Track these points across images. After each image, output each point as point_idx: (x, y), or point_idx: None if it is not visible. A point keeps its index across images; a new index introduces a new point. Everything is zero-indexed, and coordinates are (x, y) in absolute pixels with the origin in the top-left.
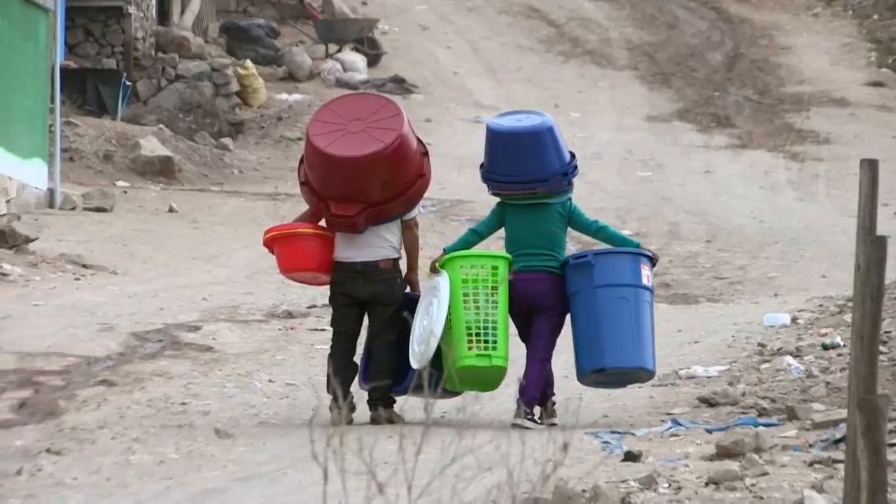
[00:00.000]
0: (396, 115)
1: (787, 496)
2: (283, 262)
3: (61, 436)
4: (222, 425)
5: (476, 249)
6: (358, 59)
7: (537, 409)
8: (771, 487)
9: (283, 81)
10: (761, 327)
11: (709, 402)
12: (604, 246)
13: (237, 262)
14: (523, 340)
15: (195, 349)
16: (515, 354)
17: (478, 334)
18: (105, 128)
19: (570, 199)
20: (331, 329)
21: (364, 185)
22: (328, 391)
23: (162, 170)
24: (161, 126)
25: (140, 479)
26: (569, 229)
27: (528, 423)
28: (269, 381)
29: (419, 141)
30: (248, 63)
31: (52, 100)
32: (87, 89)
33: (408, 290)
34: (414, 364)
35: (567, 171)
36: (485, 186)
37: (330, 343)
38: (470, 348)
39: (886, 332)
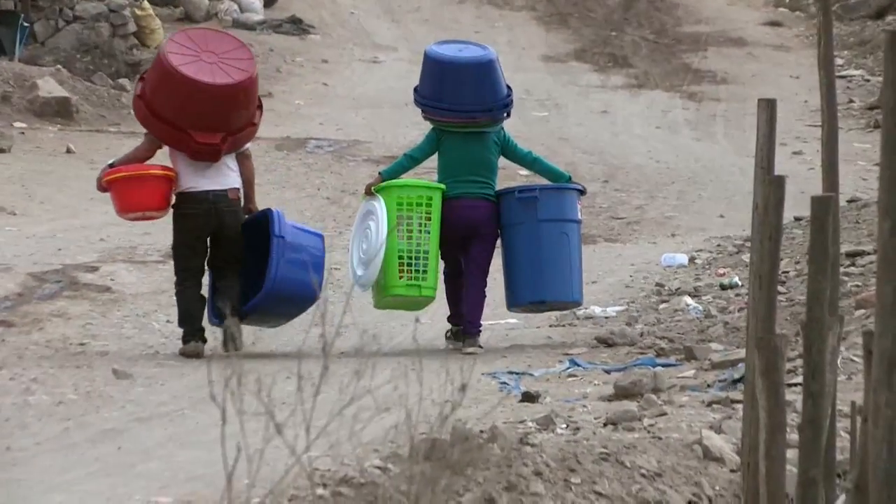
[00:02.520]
0: (242, 46)
1: (686, 436)
2: (124, 202)
3: None
4: (121, 366)
5: (409, 177)
6: (255, 0)
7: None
8: (669, 428)
9: (181, 22)
10: (659, 267)
11: (607, 343)
12: (533, 177)
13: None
14: (447, 262)
15: (93, 290)
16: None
17: (409, 263)
18: (2, 69)
19: (503, 128)
20: (175, 264)
21: (228, 112)
22: (181, 324)
23: (59, 111)
24: (59, 67)
25: (39, 420)
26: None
27: (479, 350)
28: (167, 321)
29: None
30: (146, 4)
31: None
32: None
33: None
34: (359, 288)
35: (507, 103)
36: (385, 126)
37: (176, 280)
38: (401, 277)
39: (784, 273)
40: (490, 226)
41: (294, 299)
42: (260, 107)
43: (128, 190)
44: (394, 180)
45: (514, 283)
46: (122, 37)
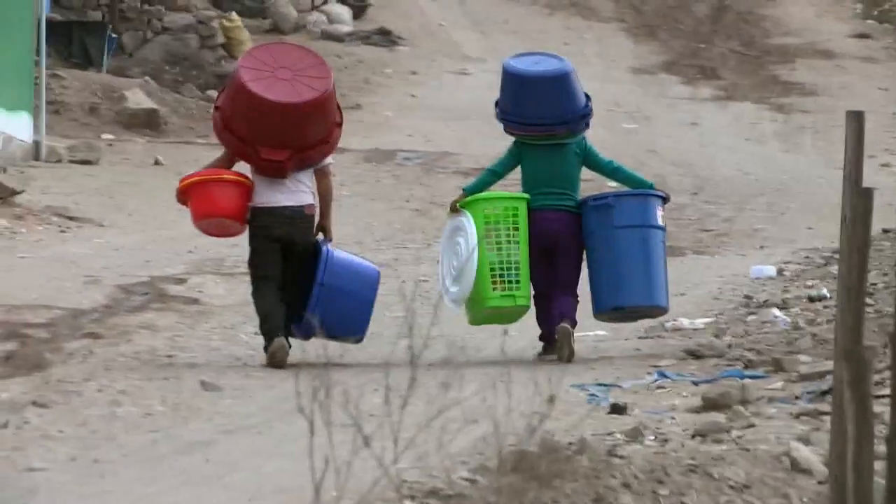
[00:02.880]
0: (322, 63)
1: (774, 448)
2: (199, 207)
3: (47, 388)
4: (208, 378)
5: (494, 190)
6: (343, 11)
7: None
8: (757, 439)
9: (269, 33)
10: (747, 279)
11: (695, 355)
12: (620, 187)
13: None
14: (533, 279)
15: (181, 302)
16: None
17: (501, 274)
18: (90, 80)
19: (584, 138)
20: (251, 274)
21: (297, 130)
22: (262, 329)
23: (147, 122)
24: (147, 78)
25: (126, 432)
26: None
27: (572, 330)
28: (255, 333)
29: None
30: (234, 15)
31: (38, 52)
32: (72, 41)
33: (320, 237)
34: (451, 305)
35: (586, 114)
36: (473, 137)
37: (252, 288)
38: (494, 289)
39: (872, 284)
40: (572, 238)
41: (338, 335)
42: (339, 124)
43: (202, 195)
44: (478, 195)
45: (595, 291)
46: (210, 48)
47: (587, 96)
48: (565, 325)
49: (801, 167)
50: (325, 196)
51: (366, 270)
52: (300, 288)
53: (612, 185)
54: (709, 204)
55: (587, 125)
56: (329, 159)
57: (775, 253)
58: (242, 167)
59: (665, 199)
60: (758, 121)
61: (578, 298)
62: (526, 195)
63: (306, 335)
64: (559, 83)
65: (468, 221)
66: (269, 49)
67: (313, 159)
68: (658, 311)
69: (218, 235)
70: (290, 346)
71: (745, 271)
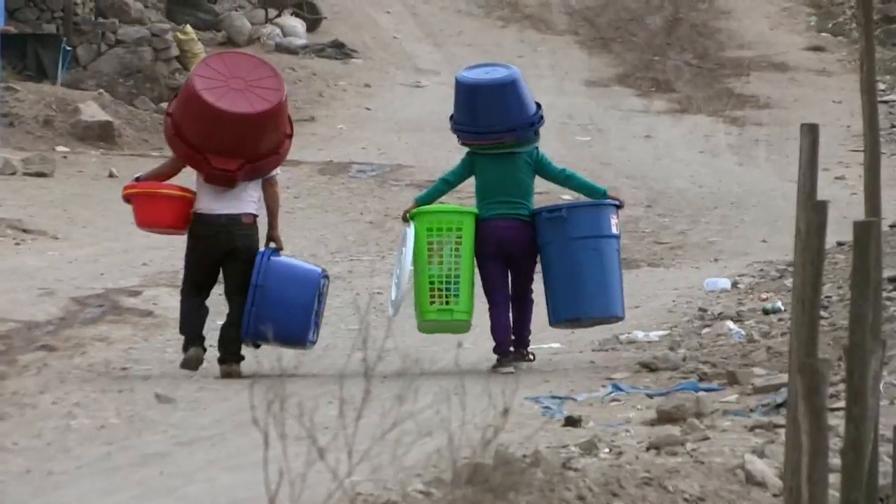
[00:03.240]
0: (275, 75)
1: (729, 461)
2: (141, 216)
3: (2, 400)
4: (163, 390)
5: (444, 203)
6: (297, 24)
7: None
8: (712, 452)
9: (223, 46)
10: (702, 292)
11: (649, 367)
12: (573, 194)
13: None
14: (491, 289)
15: (136, 314)
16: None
17: (440, 288)
18: (45, 93)
19: (536, 148)
20: (184, 274)
21: (248, 140)
22: (182, 331)
23: (102, 135)
24: (101, 91)
25: (81, 444)
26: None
27: (530, 360)
28: (210, 345)
29: None
30: (188, 28)
31: None
32: (27, 54)
33: (272, 245)
34: (390, 311)
35: (533, 122)
36: (427, 149)
37: (181, 290)
38: (432, 302)
39: (827, 297)
40: (524, 246)
41: (281, 341)
42: (290, 135)
43: (143, 206)
44: (425, 206)
45: (552, 301)
46: (164, 61)
47: (538, 105)
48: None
49: (755, 180)
50: (271, 206)
51: (304, 274)
52: (242, 300)
53: (567, 197)
54: (663, 217)
55: (536, 133)
56: (276, 170)
57: (730, 266)
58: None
59: (619, 207)
60: (712, 133)
61: (532, 307)
62: (474, 210)
63: (253, 342)
64: (505, 90)
65: (410, 232)
66: (223, 58)
67: (264, 169)
68: (613, 319)
69: (160, 234)
70: (205, 351)
71: (700, 284)
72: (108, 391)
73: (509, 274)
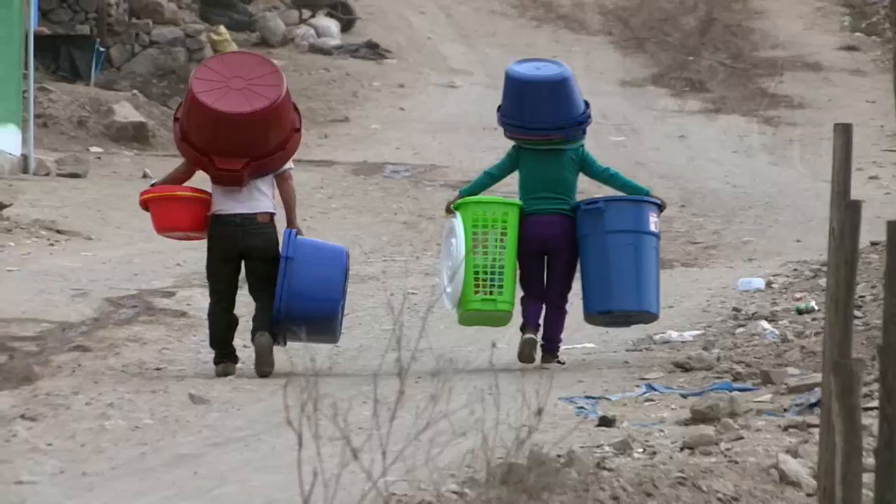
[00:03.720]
0: (275, 72)
1: (762, 460)
2: (159, 221)
3: (36, 401)
4: (197, 391)
5: (488, 194)
6: (331, 25)
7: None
8: (746, 452)
9: (257, 47)
10: (736, 292)
11: (684, 367)
12: (616, 192)
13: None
14: (527, 283)
15: (169, 315)
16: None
17: (484, 278)
18: (79, 94)
19: (582, 145)
20: (208, 284)
21: (250, 139)
22: (211, 346)
23: (136, 135)
24: (135, 92)
25: (115, 445)
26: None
27: (557, 364)
28: (244, 346)
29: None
30: (222, 29)
31: (26, 66)
32: (60, 55)
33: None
34: (448, 305)
35: (582, 121)
36: (461, 150)
37: (210, 301)
38: (476, 292)
39: (860, 297)
40: (565, 241)
41: (313, 318)
42: (297, 129)
43: (159, 210)
44: (470, 197)
45: (586, 293)
46: (197, 61)
47: (586, 103)
48: (545, 365)
49: (789, 180)
50: (287, 201)
51: (332, 249)
52: (268, 295)
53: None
54: (697, 217)
55: (584, 132)
56: (289, 164)
57: (764, 265)
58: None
59: (660, 207)
60: (746, 133)
61: (568, 309)
62: (518, 202)
63: (283, 337)
64: (557, 88)
65: (458, 224)
66: (224, 59)
67: (271, 167)
68: (648, 317)
69: (183, 239)
70: (235, 362)
71: (734, 284)
72: (141, 392)
73: (546, 270)
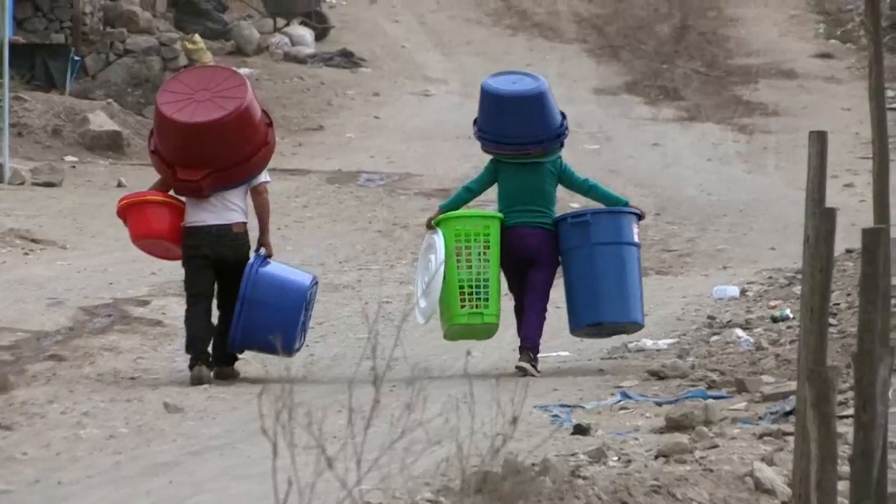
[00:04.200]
0: (240, 84)
1: (737, 468)
2: (135, 229)
3: (11, 410)
4: (172, 399)
5: (468, 209)
6: (306, 33)
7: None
8: (721, 460)
9: (232, 56)
10: (710, 300)
11: (658, 375)
12: (595, 204)
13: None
14: (514, 293)
15: (144, 323)
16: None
17: (470, 292)
18: (53, 102)
19: (560, 157)
20: (186, 293)
21: (208, 149)
22: (187, 351)
23: (111, 144)
24: (110, 101)
25: (90, 454)
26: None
27: (531, 370)
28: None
29: (264, 112)
30: (197, 37)
31: (1, 75)
32: (35, 64)
33: (263, 252)
34: (420, 319)
35: (560, 134)
36: (436, 158)
37: (186, 307)
38: (462, 306)
39: (835, 305)
40: (547, 253)
41: (267, 351)
42: (266, 143)
43: (133, 217)
44: (451, 212)
45: (574, 307)
46: (173, 70)
47: (563, 115)
48: (521, 364)
49: (764, 187)
50: (260, 214)
51: (293, 284)
52: (230, 313)
53: (573, 206)
54: (672, 224)
55: (562, 144)
56: (263, 177)
57: (738, 273)
58: None
59: (640, 217)
60: (721, 141)
61: (546, 314)
62: (499, 214)
63: (238, 349)
64: (534, 102)
65: (439, 239)
66: (195, 72)
67: (235, 178)
68: (634, 327)
69: (161, 257)
70: (210, 367)
71: (709, 292)
72: (117, 401)
73: (528, 280)
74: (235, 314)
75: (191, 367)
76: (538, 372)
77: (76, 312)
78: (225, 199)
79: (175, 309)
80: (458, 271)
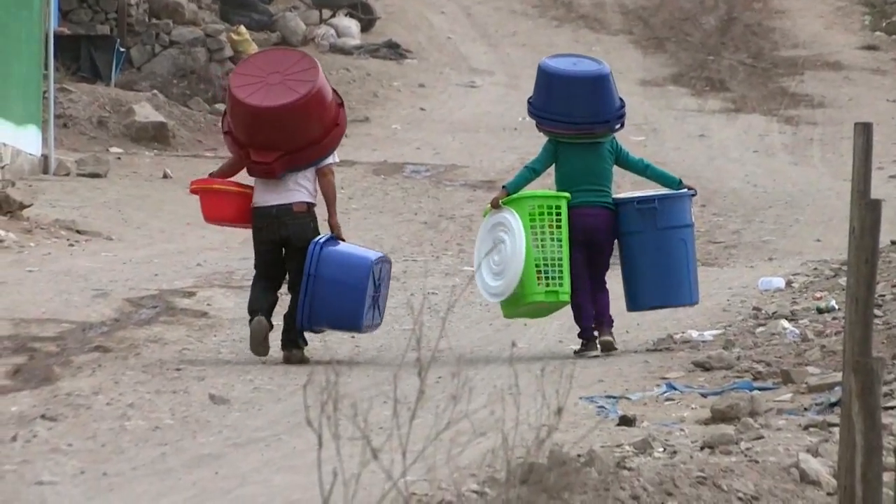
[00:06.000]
0: (312, 67)
1: (783, 460)
2: (205, 211)
3: (56, 402)
4: (217, 391)
5: (533, 189)
6: (352, 25)
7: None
8: (766, 451)
9: (277, 47)
10: (756, 291)
11: (704, 367)
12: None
13: (231, 228)
14: (575, 274)
15: (190, 315)
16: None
17: (545, 271)
18: (99, 94)
19: (615, 138)
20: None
21: (281, 132)
22: (248, 311)
23: (156, 135)
24: (155, 92)
25: (136, 445)
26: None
27: (615, 342)
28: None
29: (335, 92)
30: (242, 29)
31: (46, 66)
32: (80, 56)
33: (330, 234)
34: (490, 298)
35: (622, 115)
36: (481, 150)
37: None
38: (539, 284)
39: (881, 296)
40: (608, 233)
41: (337, 328)
42: (337, 125)
43: (205, 201)
44: (522, 192)
45: (638, 289)
46: (218, 62)
47: (621, 99)
48: (607, 338)
49: (809, 179)
50: (326, 194)
51: (357, 261)
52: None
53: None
54: (717, 216)
55: (622, 125)
56: (331, 159)
57: (784, 265)
58: None
59: (694, 195)
60: (766, 133)
61: (608, 293)
62: (566, 194)
63: (308, 328)
64: (599, 84)
65: (514, 218)
66: (266, 55)
67: (305, 160)
68: (693, 304)
69: (230, 227)
70: (271, 326)
71: (754, 283)
72: (162, 392)
73: (594, 260)
74: (301, 292)
75: (250, 321)
76: (618, 347)
77: (121, 304)
78: (293, 180)
79: (220, 300)
80: (533, 250)
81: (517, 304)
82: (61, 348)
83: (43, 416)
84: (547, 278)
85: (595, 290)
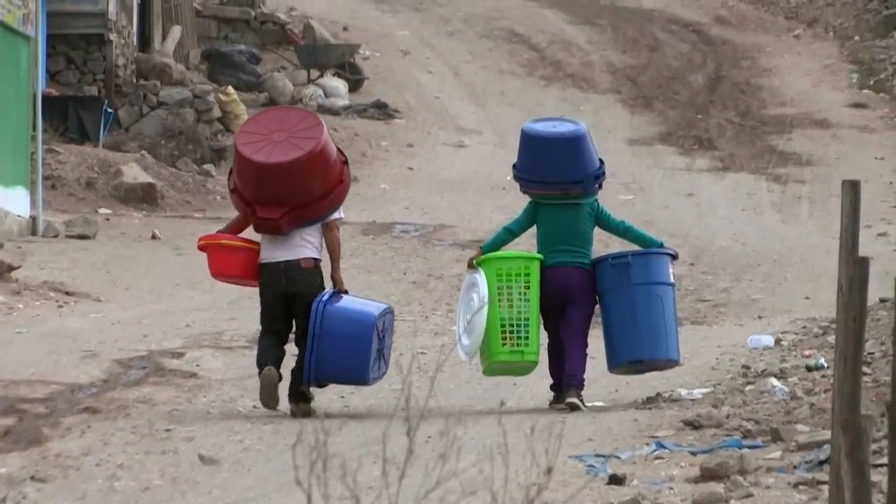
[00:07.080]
0: (316, 125)
1: None
2: (212, 267)
3: (46, 463)
4: (207, 451)
5: (508, 249)
6: (340, 85)
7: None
8: None
9: (265, 108)
10: (745, 349)
11: (693, 425)
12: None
13: (220, 288)
14: (549, 331)
15: (179, 376)
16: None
17: (511, 330)
18: (87, 155)
19: (596, 200)
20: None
21: (286, 188)
22: (257, 365)
23: (144, 196)
24: (143, 153)
25: None
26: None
27: (580, 404)
28: (254, 406)
29: (339, 150)
30: (230, 89)
31: (34, 127)
32: (68, 116)
33: (333, 288)
34: (463, 356)
35: (599, 175)
36: (470, 209)
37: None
38: (504, 344)
39: (869, 353)
40: (585, 292)
41: (343, 380)
42: (341, 181)
43: (212, 257)
44: (493, 253)
45: (613, 345)
46: (206, 122)
47: (601, 160)
48: (572, 399)
49: (798, 237)
50: (331, 249)
51: (361, 314)
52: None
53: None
54: (706, 274)
55: (600, 186)
56: (338, 214)
57: (773, 323)
58: None
59: (674, 257)
60: (754, 191)
61: (588, 350)
62: (539, 255)
63: (314, 383)
64: (574, 144)
65: (481, 278)
66: (271, 113)
67: (311, 216)
68: (672, 363)
69: (237, 284)
70: (281, 377)
71: (743, 341)
72: (151, 453)
73: (570, 318)
74: (307, 348)
75: (259, 372)
76: (586, 407)
77: (110, 365)
78: (299, 236)
79: (209, 361)
80: (499, 310)
81: (487, 363)
82: (50, 409)
83: (32, 478)
84: (513, 338)
85: (569, 348)
